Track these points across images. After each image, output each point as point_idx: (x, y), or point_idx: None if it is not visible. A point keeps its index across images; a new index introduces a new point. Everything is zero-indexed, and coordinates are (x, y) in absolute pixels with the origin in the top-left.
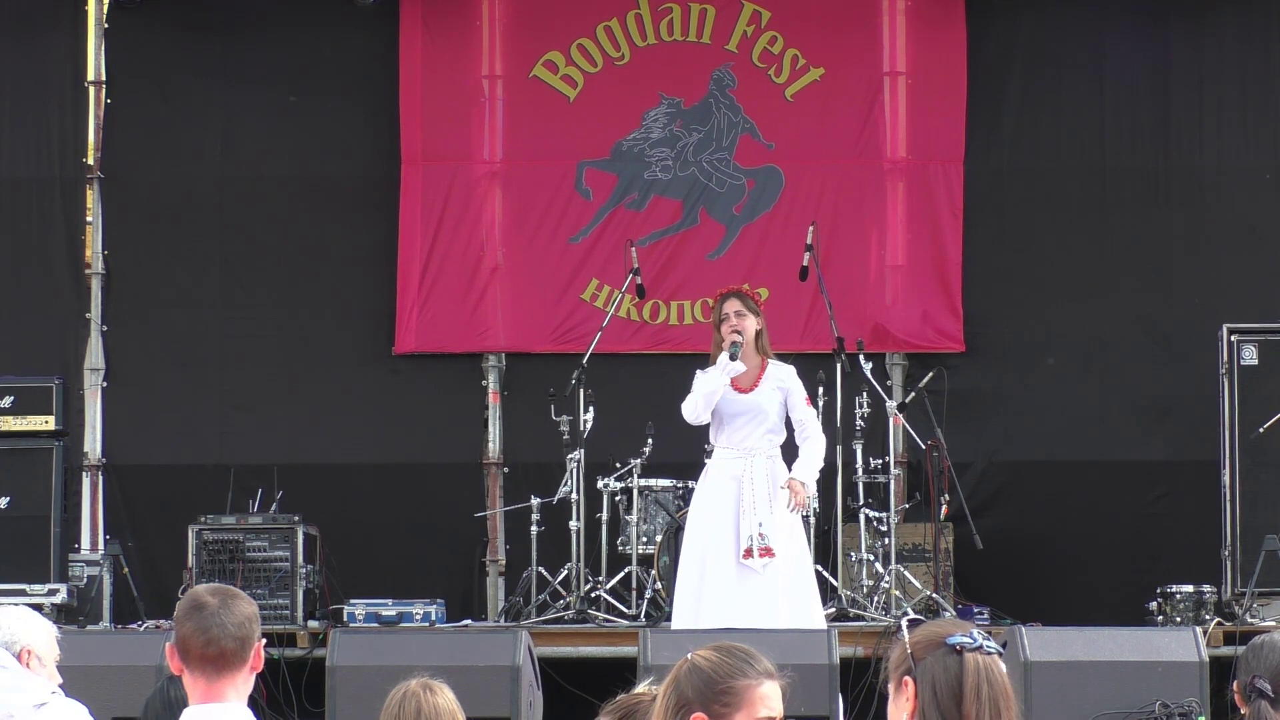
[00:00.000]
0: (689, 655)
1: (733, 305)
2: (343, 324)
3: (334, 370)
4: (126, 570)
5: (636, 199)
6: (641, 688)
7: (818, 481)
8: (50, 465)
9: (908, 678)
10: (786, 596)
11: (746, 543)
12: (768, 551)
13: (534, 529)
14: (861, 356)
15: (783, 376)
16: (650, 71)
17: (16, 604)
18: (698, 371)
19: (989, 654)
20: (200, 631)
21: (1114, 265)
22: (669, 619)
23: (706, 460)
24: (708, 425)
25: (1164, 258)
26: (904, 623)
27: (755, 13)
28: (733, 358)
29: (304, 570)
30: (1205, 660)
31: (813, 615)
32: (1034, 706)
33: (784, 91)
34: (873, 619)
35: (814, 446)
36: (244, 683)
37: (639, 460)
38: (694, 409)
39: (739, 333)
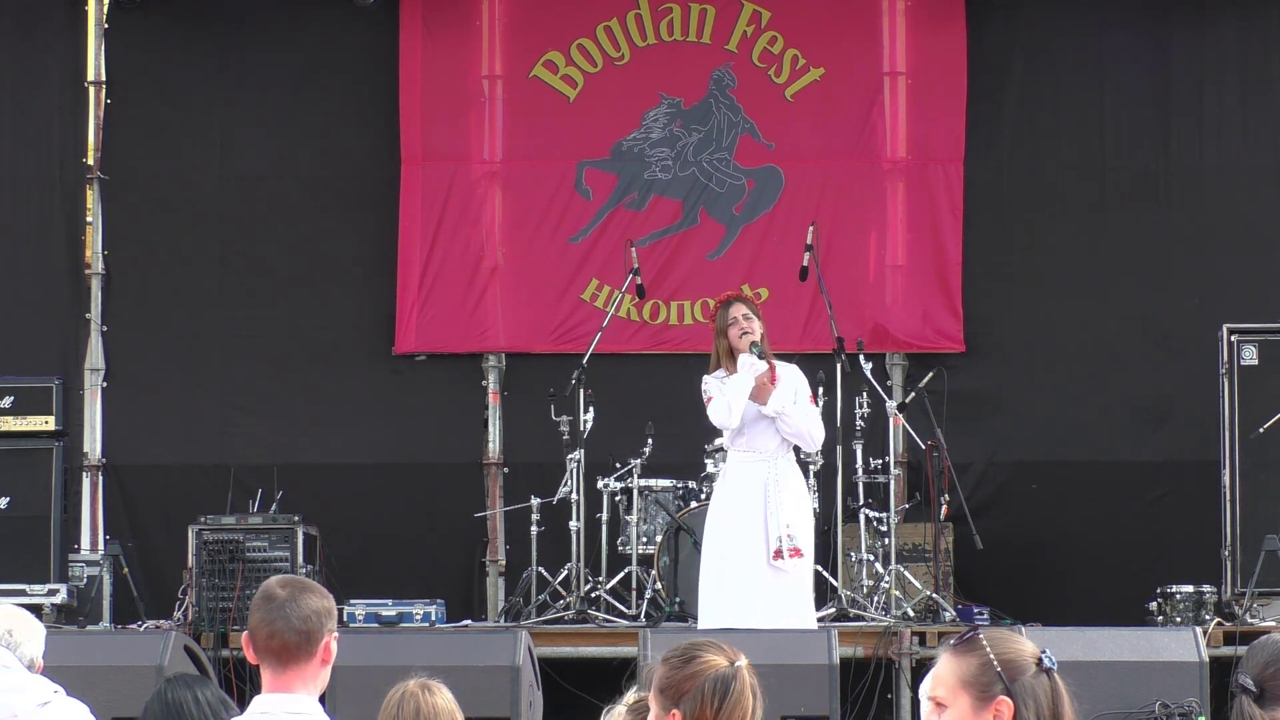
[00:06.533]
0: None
1: (741, 309)
2: (343, 324)
3: (334, 370)
4: (126, 570)
5: (636, 199)
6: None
7: (816, 475)
8: (50, 465)
9: (1004, 697)
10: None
11: (776, 543)
12: (797, 552)
13: (534, 529)
14: (861, 357)
15: (793, 378)
16: (650, 71)
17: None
18: (705, 378)
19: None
20: (265, 623)
21: (1114, 265)
22: (669, 619)
23: (707, 461)
24: (708, 427)
25: (1164, 258)
26: (981, 636)
27: (755, 13)
28: (761, 356)
29: (304, 570)
30: (1205, 660)
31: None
32: None
33: (784, 91)
34: (873, 619)
35: (812, 414)
36: (313, 675)
37: (639, 460)
38: (726, 413)
39: (748, 333)
